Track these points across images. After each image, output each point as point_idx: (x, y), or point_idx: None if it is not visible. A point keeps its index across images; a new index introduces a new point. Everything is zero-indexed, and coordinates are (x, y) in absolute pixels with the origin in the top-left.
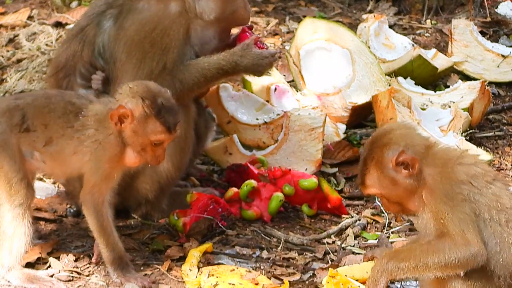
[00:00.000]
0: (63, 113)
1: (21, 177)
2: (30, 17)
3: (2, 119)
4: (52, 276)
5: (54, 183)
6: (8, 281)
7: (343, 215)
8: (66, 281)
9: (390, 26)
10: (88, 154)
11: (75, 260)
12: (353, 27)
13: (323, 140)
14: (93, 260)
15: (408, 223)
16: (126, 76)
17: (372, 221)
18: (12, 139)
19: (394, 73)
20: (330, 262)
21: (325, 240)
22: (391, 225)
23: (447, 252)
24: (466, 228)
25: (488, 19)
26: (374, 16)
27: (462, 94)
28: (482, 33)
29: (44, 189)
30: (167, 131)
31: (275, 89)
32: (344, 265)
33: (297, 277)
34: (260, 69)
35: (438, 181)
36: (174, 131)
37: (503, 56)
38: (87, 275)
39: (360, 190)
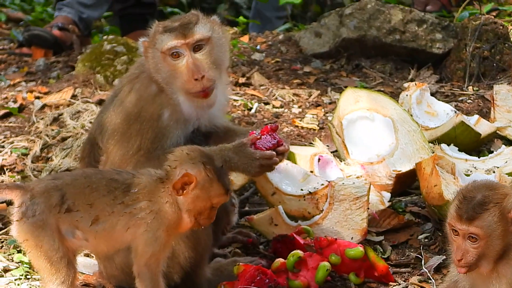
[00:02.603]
0: (108, 191)
1: (61, 256)
2: (73, 96)
3: (40, 199)
4: None
5: None
6: None
7: (391, 283)
8: None
9: (432, 94)
10: (142, 226)
11: None
12: (395, 95)
13: (368, 208)
14: None
15: None
16: (108, 157)
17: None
18: (50, 219)
19: (437, 140)
20: None
21: None
22: None
23: None
24: None
25: None
26: (416, 84)
27: (506, 159)
28: None
29: (92, 265)
30: (226, 193)
31: (319, 159)
32: None
33: None
34: (250, 170)
35: None
36: (230, 192)
37: None
38: None
39: (459, 224)
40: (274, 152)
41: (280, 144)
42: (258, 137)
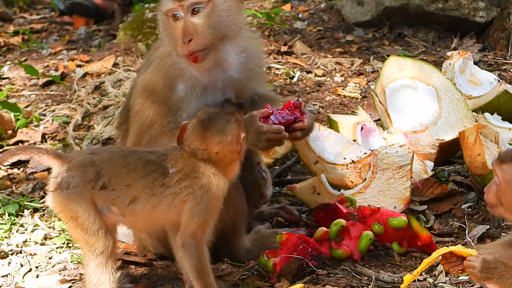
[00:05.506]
0: (146, 173)
1: (97, 228)
2: (115, 64)
3: (77, 172)
4: None
5: None
6: None
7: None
8: None
9: (475, 63)
10: (191, 201)
11: None
12: (437, 64)
13: (411, 177)
14: None
15: None
16: (129, 129)
17: None
18: (85, 193)
19: (481, 109)
20: None
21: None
22: None
23: None
24: None
25: None
26: (459, 53)
27: None
28: None
29: (132, 234)
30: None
31: (362, 128)
32: None
33: None
34: (258, 143)
35: None
36: None
37: None
38: None
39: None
40: (282, 127)
41: (299, 121)
42: (270, 111)
